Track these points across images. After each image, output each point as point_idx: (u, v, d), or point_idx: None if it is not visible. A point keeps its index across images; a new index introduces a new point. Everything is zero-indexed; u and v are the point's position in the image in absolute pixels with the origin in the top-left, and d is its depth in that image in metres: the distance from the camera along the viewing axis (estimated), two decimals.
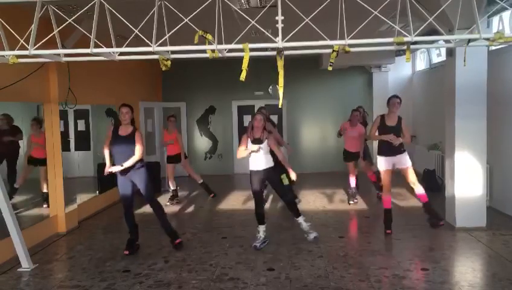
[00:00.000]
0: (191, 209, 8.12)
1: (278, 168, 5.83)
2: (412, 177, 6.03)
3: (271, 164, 5.63)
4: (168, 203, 8.36)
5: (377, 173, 7.85)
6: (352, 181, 8.10)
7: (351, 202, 8.01)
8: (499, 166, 7.05)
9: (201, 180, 8.70)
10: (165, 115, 11.60)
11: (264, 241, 5.68)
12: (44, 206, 6.70)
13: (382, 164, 6.00)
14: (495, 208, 7.06)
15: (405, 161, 5.99)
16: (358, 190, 8.43)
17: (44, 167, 6.60)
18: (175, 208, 8.18)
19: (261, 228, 5.71)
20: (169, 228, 5.69)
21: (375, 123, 6.13)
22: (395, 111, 5.97)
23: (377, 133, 6.06)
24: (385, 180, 6.05)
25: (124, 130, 5.46)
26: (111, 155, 5.50)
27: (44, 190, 6.75)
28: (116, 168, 5.29)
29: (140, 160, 5.44)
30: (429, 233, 6.02)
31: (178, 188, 8.76)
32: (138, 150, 5.35)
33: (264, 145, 5.51)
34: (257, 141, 5.50)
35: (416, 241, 5.74)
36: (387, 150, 5.92)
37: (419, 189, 6.09)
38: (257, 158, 5.55)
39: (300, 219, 5.82)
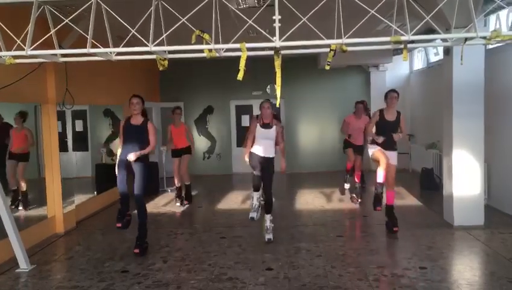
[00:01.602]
0: (189, 209, 8.11)
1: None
2: (392, 177, 5.94)
3: (272, 154, 5.79)
4: (178, 205, 8.23)
5: (362, 175, 8.04)
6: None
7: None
8: (496, 164, 7.06)
9: (189, 182, 8.39)
10: (163, 115, 11.61)
11: (259, 208, 5.82)
12: (20, 208, 6.53)
13: (375, 149, 5.92)
14: (493, 206, 7.07)
15: (394, 158, 5.96)
16: (363, 187, 8.46)
17: (23, 163, 6.50)
18: (176, 208, 8.18)
19: (255, 195, 5.84)
20: (144, 231, 5.56)
21: (373, 118, 6.09)
22: (394, 106, 5.93)
23: (374, 129, 6.02)
24: (379, 156, 5.86)
25: (136, 120, 5.54)
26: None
27: (23, 189, 6.57)
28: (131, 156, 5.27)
29: (146, 156, 5.51)
30: (427, 232, 6.03)
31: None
32: (152, 141, 5.49)
33: (272, 131, 5.73)
34: (266, 126, 5.72)
35: (414, 240, 5.74)
36: (381, 143, 5.86)
37: (392, 190, 6.01)
38: (262, 145, 5.73)
39: (268, 217, 5.84)
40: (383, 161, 5.86)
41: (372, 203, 6.05)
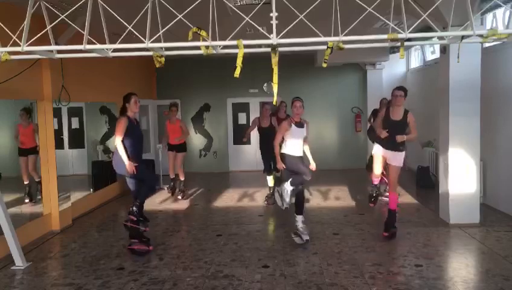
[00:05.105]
0: (185, 206, 8.10)
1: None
2: (393, 178, 5.69)
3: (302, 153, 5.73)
4: (180, 197, 8.47)
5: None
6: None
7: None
8: (492, 163, 7.09)
9: (183, 179, 8.69)
10: (160, 112, 11.60)
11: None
12: (26, 201, 6.52)
13: (376, 149, 5.79)
14: (488, 204, 7.10)
15: (399, 159, 5.66)
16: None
17: (33, 155, 6.50)
18: (172, 205, 8.17)
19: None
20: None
21: (380, 115, 5.85)
22: (399, 105, 5.56)
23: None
24: (377, 164, 5.81)
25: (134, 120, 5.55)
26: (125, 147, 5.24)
27: (37, 179, 6.56)
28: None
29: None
30: (423, 230, 6.05)
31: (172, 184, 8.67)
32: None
33: (304, 130, 5.69)
34: (299, 125, 5.65)
35: (410, 238, 5.75)
36: (383, 142, 5.65)
37: (393, 192, 5.76)
38: (295, 144, 5.64)
39: (299, 218, 5.63)
40: (377, 167, 5.85)
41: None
